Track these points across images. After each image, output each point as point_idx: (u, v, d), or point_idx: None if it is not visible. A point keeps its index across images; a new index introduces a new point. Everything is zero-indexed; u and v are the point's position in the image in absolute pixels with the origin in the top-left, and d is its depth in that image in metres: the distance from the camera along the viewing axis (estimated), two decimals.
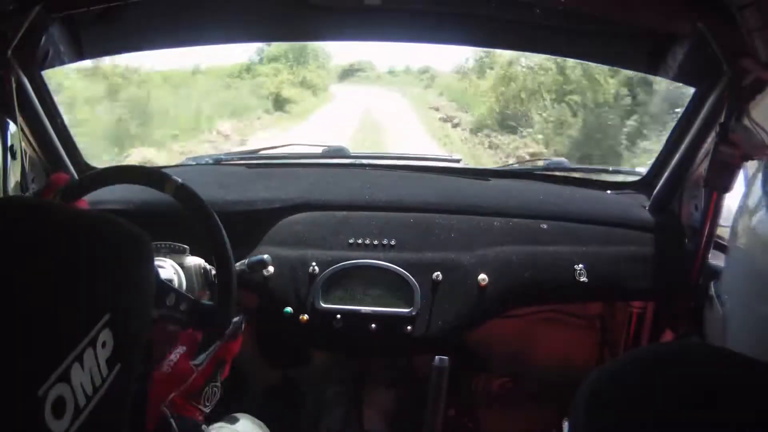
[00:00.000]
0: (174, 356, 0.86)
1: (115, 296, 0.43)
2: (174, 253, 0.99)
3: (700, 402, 0.45)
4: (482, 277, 1.10)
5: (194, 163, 1.50)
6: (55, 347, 0.37)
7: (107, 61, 6.37)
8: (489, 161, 6.57)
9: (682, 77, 1.17)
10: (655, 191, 1.25)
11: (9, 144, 1.07)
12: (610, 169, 1.61)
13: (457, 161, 1.45)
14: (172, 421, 0.79)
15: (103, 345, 0.40)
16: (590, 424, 0.46)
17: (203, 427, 0.81)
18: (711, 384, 0.47)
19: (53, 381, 0.36)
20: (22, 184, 1.13)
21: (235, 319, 0.92)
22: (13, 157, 1.09)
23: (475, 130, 8.16)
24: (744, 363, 0.51)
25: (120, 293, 0.44)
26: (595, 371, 0.50)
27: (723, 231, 1.16)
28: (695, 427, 0.43)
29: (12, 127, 1.06)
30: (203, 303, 0.90)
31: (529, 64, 7.63)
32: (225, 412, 0.95)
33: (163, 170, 1.05)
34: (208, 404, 0.86)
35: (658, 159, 1.28)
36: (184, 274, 0.97)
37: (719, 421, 0.43)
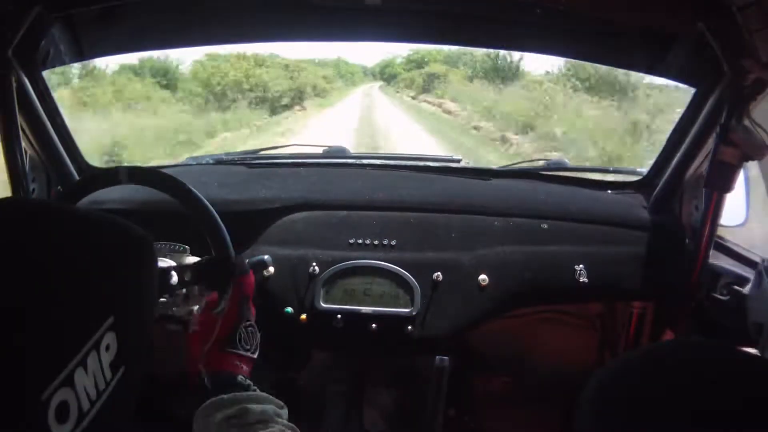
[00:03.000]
0: (196, 313, 0.86)
1: (119, 299, 0.43)
2: (174, 253, 0.99)
3: (701, 400, 0.45)
4: (482, 277, 1.10)
5: (194, 163, 1.50)
6: (58, 351, 0.36)
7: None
8: None
9: (682, 77, 1.17)
10: (655, 191, 1.25)
11: (9, 144, 1.07)
12: (611, 169, 1.61)
13: (458, 161, 1.45)
14: (205, 378, 0.78)
15: (107, 348, 0.40)
16: (596, 424, 0.46)
17: (239, 378, 0.78)
18: (712, 382, 0.47)
19: (57, 385, 0.36)
20: (23, 184, 1.13)
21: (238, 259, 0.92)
22: (14, 157, 1.09)
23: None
24: (744, 360, 0.51)
25: (124, 296, 0.43)
26: (599, 371, 0.50)
27: (723, 231, 1.16)
28: (697, 424, 0.43)
29: (12, 127, 1.06)
30: (202, 261, 0.92)
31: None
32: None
33: (163, 170, 1.05)
34: (248, 346, 0.83)
35: (658, 159, 1.28)
36: None
37: (721, 418, 0.43)
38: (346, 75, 17.45)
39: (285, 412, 0.75)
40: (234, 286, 0.86)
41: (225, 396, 0.73)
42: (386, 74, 17.78)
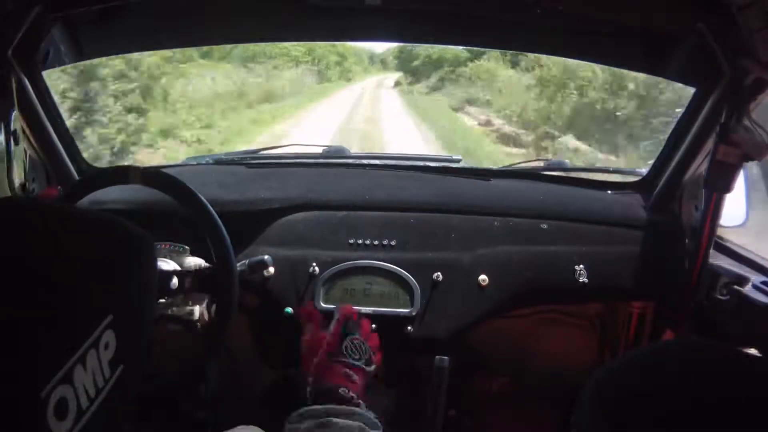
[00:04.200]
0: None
1: (119, 297, 0.43)
2: (174, 253, 0.99)
3: (701, 401, 0.45)
4: (482, 277, 1.10)
5: (195, 162, 1.50)
6: (58, 348, 0.37)
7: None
8: None
9: (682, 77, 1.17)
10: (655, 191, 1.25)
11: (9, 144, 1.07)
12: (611, 169, 1.61)
13: (458, 161, 1.45)
14: (308, 387, 0.82)
15: (106, 346, 0.40)
16: (595, 424, 0.46)
17: (341, 390, 0.79)
18: (712, 383, 0.47)
19: (56, 382, 0.36)
20: (23, 184, 1.13)
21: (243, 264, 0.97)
22: (13, 157, 1.09)
23: None
24: (744, 360, 0.51)
25: (123, 295, 0.43)
26: (598, 371, 0.50)
27: (723, 231, 1.16)
28: (697, 424, 0.43)
29: (12, 127, 1.06)
30: (203, 269, 0.96)
31: None
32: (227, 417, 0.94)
33: (163, 170, 1.06)
34: (357, 358, 0.85)
35: (658, 159, 1.28)
36: None
37: (721, 418, 0.43)
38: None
39: None
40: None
41: (317, 407, 0.74)
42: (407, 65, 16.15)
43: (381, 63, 19.29)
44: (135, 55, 5.85)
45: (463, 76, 11.67)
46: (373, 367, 0.87)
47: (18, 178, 1.10)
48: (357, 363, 0.84)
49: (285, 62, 12.48)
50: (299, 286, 1.09)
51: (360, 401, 0.79)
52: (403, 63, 16.62)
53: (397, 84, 15.98)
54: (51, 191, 1.16)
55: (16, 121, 1.07)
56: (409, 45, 15.17)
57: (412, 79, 15.45)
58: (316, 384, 0.81)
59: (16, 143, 1.07)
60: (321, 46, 13.51)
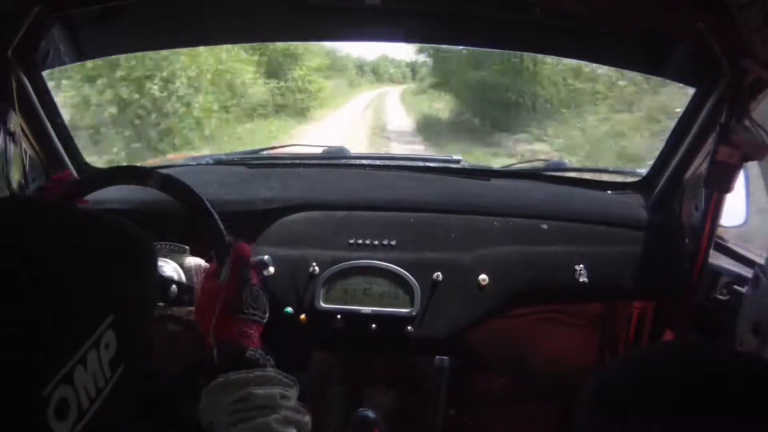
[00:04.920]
0: (198, 286, 0.87)
1: (119, 298, 0.43)
2: (174, 253, 0.99)
3: (701, 401, 0.45)
4: (482, 277, 1.10)
5: (195, 163, 1.50)
6: (58, 349, 0.37)
7: None
8: None
9: (682, 77, 1.17)
10: (655, 191, 1.25)
11: (9, 144, 1.07)
12: (611, 169, 1.61)
13: (457, 161, 1.45)
14: (214, 351, 0.78)
15: (107, 346, 0.40)
16: (595, 424, 0.46)
17: (249, 352, 0.76)
18: (711, 383, 0.47)
19: (57, 383, 0.36)
20: (23, 184, 1.13)
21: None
22: (11, 157, 1.09)
23: None
24: (744, 360, 0.51)
25: (123, 294, 0.43)
26: (597, 371, 0.50)
27: (723, 231, 1.16)
28: (697, 424, 0.43)
29: (12, 127, 1.06)
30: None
31: None
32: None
33: (162, 170, 1.06)
34: (255, 308, 0.82)
35: (658, 159, 1.28)
36: (185, 274, 0.98)
37: (720, 418, 0.43)
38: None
39: (294, 391, 0.75)
40: (231, 252, 0.86)
41: (233, 376, 0.72)
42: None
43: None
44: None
45: None
46: (266, 318, 0.84)
47: (15, 178, 1.10)
48: (255, 317, 0.81)
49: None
50: (299, 286, 1.09)
51: (269, 358, 0.78)
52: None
53: None
54: (65, 175, 1.16)
55: (15, 122, 1.07)
56: None
57: None
58: (220, 346, 0.78)
59: (15, 144, 1.07)
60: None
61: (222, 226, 0.92)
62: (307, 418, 0.73)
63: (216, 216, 0.92)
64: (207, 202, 0.93)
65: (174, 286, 0.90)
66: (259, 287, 0.85)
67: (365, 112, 11.82)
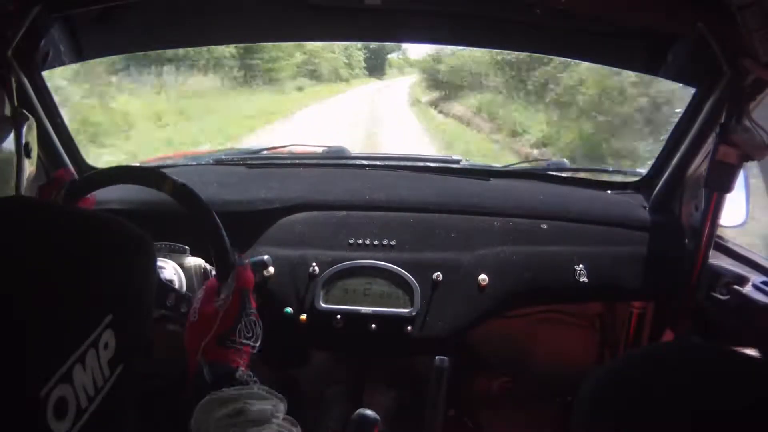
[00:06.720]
0: (196, 303, 0.84)
1: (118, 297, 0.43)
2: (174, 253, 0.99)
3: (700, 400, 0.45)
4: (482, 277, 1.10)
5: (195, 163, 1.50)
6: (57, 348, 0.37)
7: None
8: None
9: (682, 77, 1.17)
10: (655, 191, 1.25)
11: (21, 157, 1.06)
12: (610, 169, 1.61)
13: (457, 161, 1.45)
14: (204, 369, 0.77)
15: (105, 346, 0.40)
16: (593, 423, 0.46)
17: (239, 373, 0.76)
18: (711, 383, 0.47)
19: (55, 382, 0.36)
20: (23, 184, 1.13)
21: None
22: (24, 169, 1.08)
23: None
24: (744, 360, 0.51)
25: (123, 294, 0.44)
26: (596, 370, 0.50)
27: (723, 231, 1.16)
28: (696, 424, 0.43)
29: (24, 139, 1.05)
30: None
31: None
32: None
33: (163, 170, 1.05)
34: (249, 337, 0.81)
35: (658, 159, 1.28)
36: (184, 274, 0.98)
37: (720, 418, 0.43)
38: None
39: (283, 406, 0.75)
40: (234, 276, 0.84)
41: (226, 392, 0.72)
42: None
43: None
44: None
45: None
46: (258, 344, 0.83)
47: (17, 177, 1.09)
48: (248, 343, 0.81)
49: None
50: (299, 286, 1.09)
51: (255, 380, 0.78)
52: None
53: None
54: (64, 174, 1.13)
55: (30, 132, 1.03)
56: None
57: None
58: (211, 363, 0.78)
59: (28, 156, 1.03)
60: None
61: (228, 243, 0.89)
62: (298, 431, 0.73)
63: (223, 231, 0.89)
64: (216, 218, 0.89)
65: (173, 294, 0.89)
66: (256, 318, 0.84)
67: None
